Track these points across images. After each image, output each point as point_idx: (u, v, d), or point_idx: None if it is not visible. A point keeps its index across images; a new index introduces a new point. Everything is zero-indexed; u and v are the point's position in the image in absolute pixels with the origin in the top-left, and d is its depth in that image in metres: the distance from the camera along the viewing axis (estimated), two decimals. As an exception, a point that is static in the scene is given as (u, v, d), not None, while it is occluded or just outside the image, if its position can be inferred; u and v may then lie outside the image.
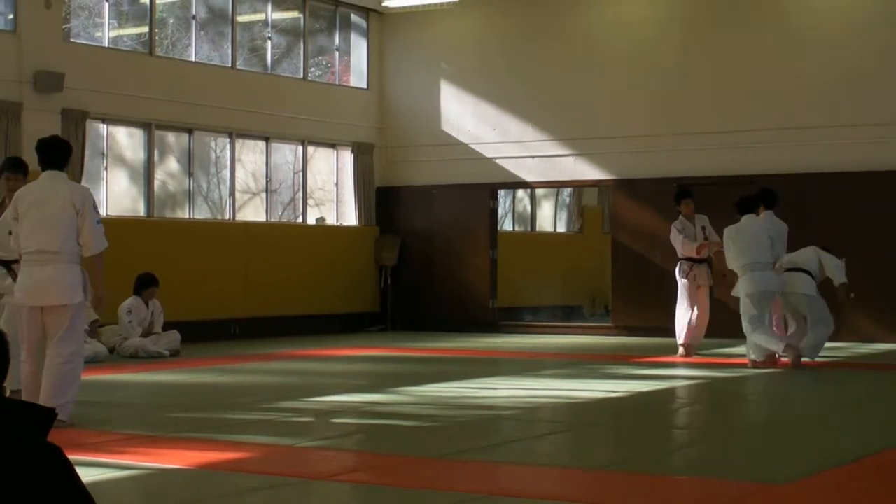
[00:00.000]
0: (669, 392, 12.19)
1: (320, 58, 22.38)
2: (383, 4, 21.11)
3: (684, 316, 15.57)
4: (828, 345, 15.67)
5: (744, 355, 14.55)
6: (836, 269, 14.23)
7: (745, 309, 14.01)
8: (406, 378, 13.04)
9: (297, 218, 21.45)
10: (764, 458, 8.08)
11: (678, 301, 15.70)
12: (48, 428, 2.47)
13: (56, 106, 17.01)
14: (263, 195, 20.75)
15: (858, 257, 17.88)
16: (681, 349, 15.54)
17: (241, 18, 20.43)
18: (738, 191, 17.66)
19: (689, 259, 15.67)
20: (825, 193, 18.15)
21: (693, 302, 15.55)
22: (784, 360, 14.16)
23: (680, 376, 13.66)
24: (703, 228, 15.80)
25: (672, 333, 15.89)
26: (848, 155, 18.28)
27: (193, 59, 19.50)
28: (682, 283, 15.65)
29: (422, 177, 21.82)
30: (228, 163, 20.03)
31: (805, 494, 6.58)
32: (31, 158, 15.66)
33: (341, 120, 21.60)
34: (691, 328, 15.52)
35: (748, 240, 14.09)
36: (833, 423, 10.02)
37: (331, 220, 21.94)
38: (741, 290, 14.07)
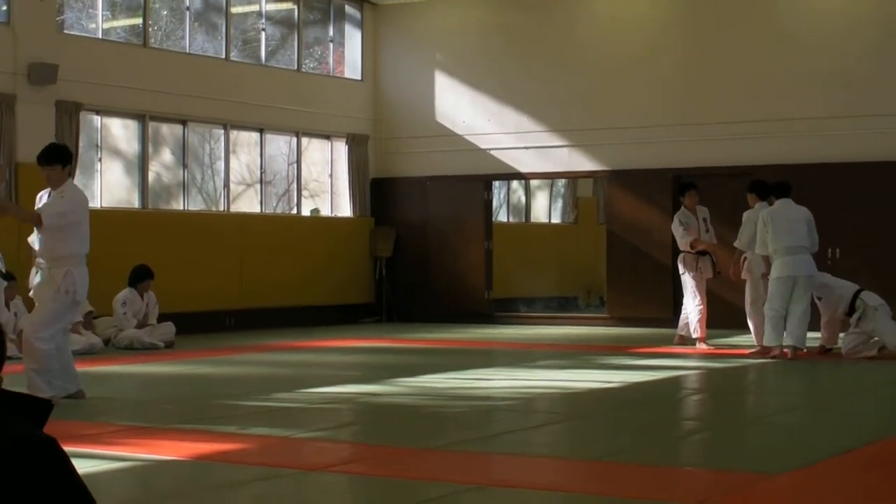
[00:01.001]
0: (665, 383, 12.18)
1: (314, 49, 22.35)
2: (377, -5, 21.09)
3: (698, 311, 15.43)
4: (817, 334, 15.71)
5: (740, 346, 14.54)
6: None
7: (772, 292, 13.88)
8: (401, 369, 13.03)
9: (291, 210, 21.43)
10: (761, 448, 8.08)
11: (688, 295, 15.57)
12: (44, 419, 2.46)
13: (50, 98, 16.98)
14: (258, 187, 20.72)
15: (854, 247, 17.92)
16: (701, 344, 15.38)
17: (234, 10, 20.39)
18: (734, 182, 17.72)
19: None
20: (820, 184, 18.12)
21: (702, 294, 15.48)
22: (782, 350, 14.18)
23: (676, 367, 13.64)
24: (705, 220, 15.74)
25: (670, 324, 15.86)
26: (843, 146, 18.29)
27: (188, 51, 19.47)
28: (689, 277, 15.55)
29: (416, 168, 21.80)
30: (223, 154, 20.00)
31: (802, 485, 6.59)
32: (25, 150, 15.62)
33: (335, 111, 21.57)
34: (703, 321, 15.44)
35: (785, 223, 13.87)
36: (829, 413, 10.03)
37: (325, 212, 21.91)
38: (772, 272, 13.97)
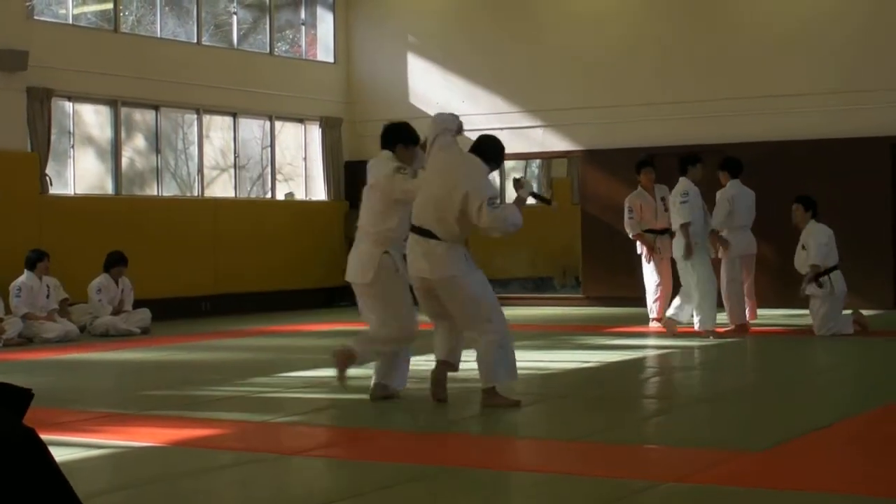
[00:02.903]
0: (641, 362, 12.22)
1: (286, 32, 22.27)
2: (349, -22, 21.01)
3: (655, 290, 15.55)
4: (795, 311, 15.76)
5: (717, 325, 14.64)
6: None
7: None
8: (378, 352, 12.99)
9: (265, 194, 21.38)
10: (738, 425, 8.11)
11: (646, 275, 15.68)
12: (24, 409, 2.44)
13: (21, 84, 16.89)
14: (232, 171, 20.67)
15: (828, 223, 17.97)
16: (654, 323, 15.49)
17: (206, -7, 20.30)
18: (706, 160, 17.71)
19: (651, 230, 15.66)
20: (793, 161, 18.19)
21: (661, 274, 15.52)
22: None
23: (651, 346, 13.69)
24: (663, 199, 15.62)
25: (645, 304, 15.91)
26: (814, 123, 18.32)
27: (159, 36, 19.38)
28: (646, 256, 15.67)
29: (390, 151, 21.71)
30: (196, 139, 19.93)
31: (780, 461, 6.60)
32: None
33: (309, 94, 21.51)
34: (661, 301, 15.50)
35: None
36: (805, 390, 10.05)
37: (300, 196, 21.87)
38: None
